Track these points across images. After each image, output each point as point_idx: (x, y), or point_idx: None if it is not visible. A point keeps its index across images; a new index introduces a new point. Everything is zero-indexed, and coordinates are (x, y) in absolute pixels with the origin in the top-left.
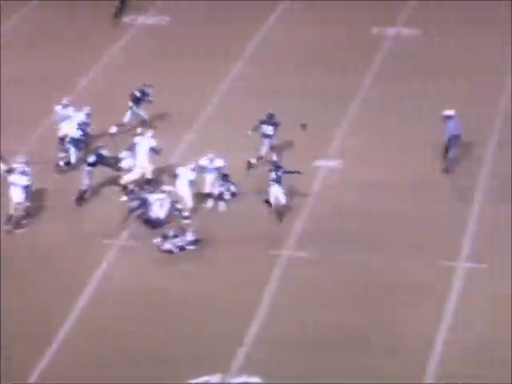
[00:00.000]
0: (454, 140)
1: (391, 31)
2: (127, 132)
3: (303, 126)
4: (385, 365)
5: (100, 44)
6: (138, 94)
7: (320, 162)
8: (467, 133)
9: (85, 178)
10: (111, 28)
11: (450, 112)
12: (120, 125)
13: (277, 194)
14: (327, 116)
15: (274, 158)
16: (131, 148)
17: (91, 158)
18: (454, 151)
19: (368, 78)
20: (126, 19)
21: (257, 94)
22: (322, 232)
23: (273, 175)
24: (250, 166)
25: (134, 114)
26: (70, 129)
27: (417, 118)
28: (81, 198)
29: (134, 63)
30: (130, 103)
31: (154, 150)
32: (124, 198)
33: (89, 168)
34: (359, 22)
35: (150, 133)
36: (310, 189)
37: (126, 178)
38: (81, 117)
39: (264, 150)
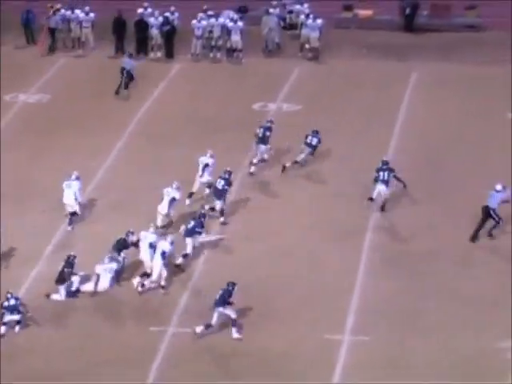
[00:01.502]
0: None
1: (272, 106)
2: None
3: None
4: None
5: None
6: None
7: None
8: None
9: None
10: None
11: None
12: None
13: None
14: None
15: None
16: None
17: None
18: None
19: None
20: (6, 97)
21: (140, 164)
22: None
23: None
24: (283, 169)
25: None
26: None
27: None
28: None
29: (14, 141)
30: None
31: None
32: None
33: None
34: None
35: None
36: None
37: None
38: None
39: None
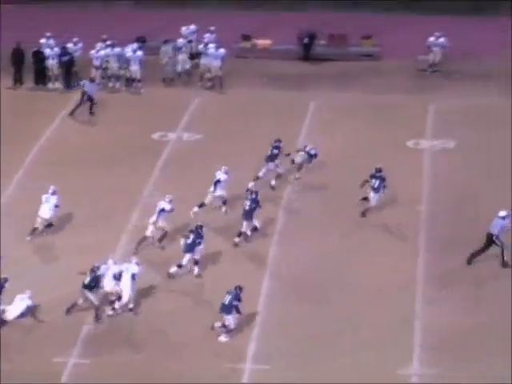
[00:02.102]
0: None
1: (172, 136)
2: None
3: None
4: None
5: None
6: None
7: None
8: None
9: None
10: None
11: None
12: None
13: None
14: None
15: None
16: None
17: None
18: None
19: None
20: None
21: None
22: None
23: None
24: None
25: None
26: None
27: None
28: None
29: None
30: None
31: None
32: None
33: None
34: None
35: None
36: None
37: None
38: None
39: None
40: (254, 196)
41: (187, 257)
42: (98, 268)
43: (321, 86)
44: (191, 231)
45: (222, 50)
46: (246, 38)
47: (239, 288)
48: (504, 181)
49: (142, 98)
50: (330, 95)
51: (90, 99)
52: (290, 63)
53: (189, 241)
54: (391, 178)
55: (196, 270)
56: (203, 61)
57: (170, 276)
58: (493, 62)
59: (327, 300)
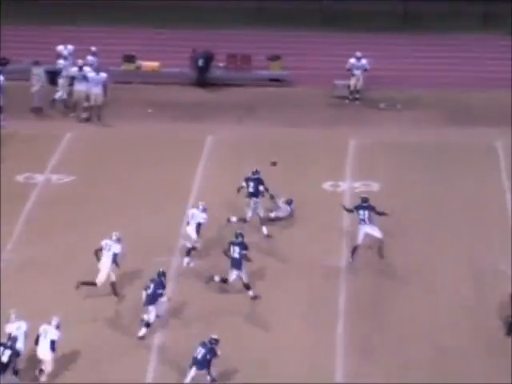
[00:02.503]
0: None
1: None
2: None
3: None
4: None
5: None
6: None
7: None
8: None
9: None
10: None
11: None
12: None
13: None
14: None
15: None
16: None
17: None
18: None
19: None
20: None
21: None
22: None
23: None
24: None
25: None
26: None
27: None
28: None
29: None
30: None
31: None
32: None
33: None
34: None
35: None
36: None
37: None
38: None
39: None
40: (240, 239)
41: (152, 310)
42: None
43: (219, 118)
44: (151, 280)
45: (103, 75)
46: (129, 58)
47: (214, 341)
48: (428, 231)
49: (4, 133)
50: (231, 128)
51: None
52: (183, 89)
53: (149, 291)
54: (305, 230)
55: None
56: (78, 87)
57: (140, 338)
58: (426, 88)
59: None
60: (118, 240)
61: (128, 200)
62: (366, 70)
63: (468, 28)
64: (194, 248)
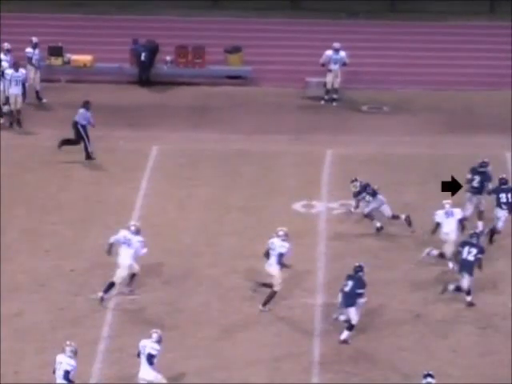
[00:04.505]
0: None
1: None
2: None
3: None
4: None
5: None
6: None
7: None
8: None
9: None
10: None
11: None
12: None
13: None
14: None
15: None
16: None
17: None
18: None
19: None
20: None
21: None
22: None
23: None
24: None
25: None
26: None
27: None
28: None
29: None
30: None
31: None
32: None
33: None
34: None
35: None
36: None
37: None
38: None
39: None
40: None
41: None
42: None
43: (166, 123)
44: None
45: (22, 71)
46: (55, 51)
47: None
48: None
49: None
50: (181, 136)
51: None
52: (121, 89)
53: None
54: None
55: None
56: None
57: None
58: (419, 87)
59: None
60: (138, 231)
61: (48, 225)
62: (344, 64)
63: (470, 13)
64: None
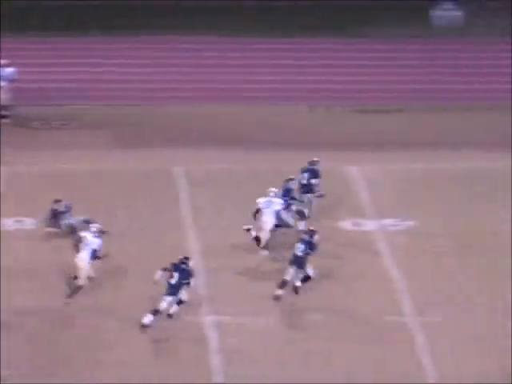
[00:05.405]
0: None
1: None
2: None
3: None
4: None
5: None
6: None
7: None
8: None
9: None
10: None
11: None
12: None
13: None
14: None
15: None
16: None
17: None
18: None
19: None
20: None
21: None
22: None
23: None
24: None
25: None
26: None
27: None
28: None
29: None
30: None
31: None
32: None
33: None
34: None
35: None
36: None
37: None
38: None
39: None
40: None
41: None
42: None
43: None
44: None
45: None
46: None
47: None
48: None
49: None
50: None
51: None
52: None
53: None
54: None
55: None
56: None
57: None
58: (85, 103)
59: None
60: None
61: None
62: (12, 80)
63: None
64: None
